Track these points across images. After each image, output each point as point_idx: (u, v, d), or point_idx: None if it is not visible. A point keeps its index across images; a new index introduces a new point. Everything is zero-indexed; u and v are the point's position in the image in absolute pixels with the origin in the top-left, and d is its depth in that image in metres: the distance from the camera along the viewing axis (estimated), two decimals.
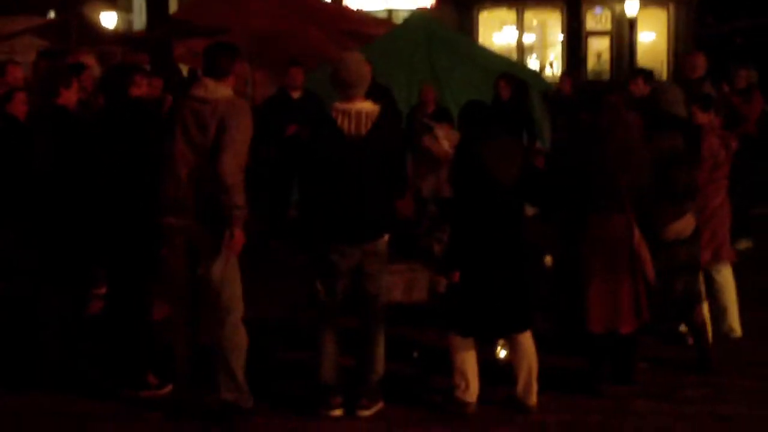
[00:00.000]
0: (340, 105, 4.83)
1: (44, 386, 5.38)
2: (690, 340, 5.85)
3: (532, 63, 25.11)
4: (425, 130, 8.37)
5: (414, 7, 20.28)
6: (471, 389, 5.00)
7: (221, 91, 4.75)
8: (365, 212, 4.82)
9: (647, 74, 7.62)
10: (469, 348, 5.00)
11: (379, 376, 5.06)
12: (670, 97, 5.58)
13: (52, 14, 21.52)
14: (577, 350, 5.48)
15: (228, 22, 12.44)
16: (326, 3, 17.33)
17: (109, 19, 20.48)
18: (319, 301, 5.01)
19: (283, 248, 8.36)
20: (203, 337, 5.02)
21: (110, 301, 5.52)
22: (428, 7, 24.04)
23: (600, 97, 5.31)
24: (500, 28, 25.92)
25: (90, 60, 8.56)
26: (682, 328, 6.00)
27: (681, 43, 24.43)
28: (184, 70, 13.98)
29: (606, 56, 25.45)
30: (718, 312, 6.08)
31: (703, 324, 5.63)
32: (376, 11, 23.51)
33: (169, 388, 5.27)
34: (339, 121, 4.77)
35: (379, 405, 5.06)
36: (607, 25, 25.42)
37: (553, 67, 25.24)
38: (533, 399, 5.03)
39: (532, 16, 25.78)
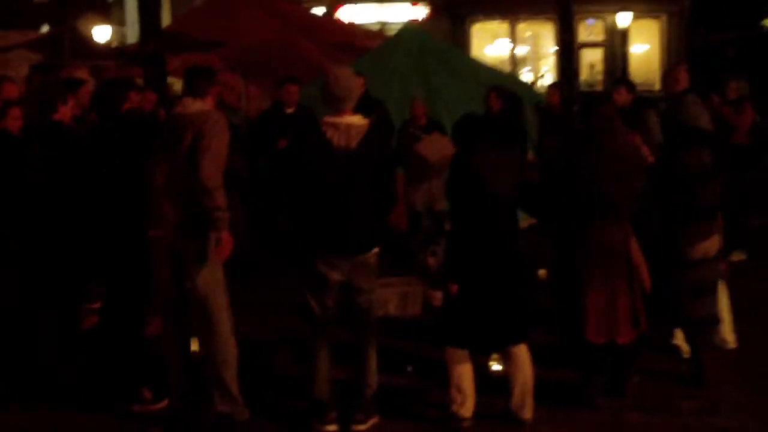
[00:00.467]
0: (329, 119, 4.87)
1: (40, 401, 5.36)
2: (684, 353, 5.86)
3: (526, 75, 25.15)
4: (414, 141, 8.40)
5: (406, 20, 20.28)
6: (467, 404, 4.99)
7: (197, 105, 4.92)
8: (354, 225, 4.82)
9: (629, 84, 7.67)
10: (466, 362, 4.99)
11: (372, 389, 5.06)
12: (693, 112, 5.51)
13: (45, 28, 21.54)
14: (571, 363, 5.48)
15: (222, 35, 12.45)
16: (319, 16, 17.35)
17: (102, 33, 20.49)
18: (311, 314, 5.01)
19: (274, 261, 8.35)
20: (199, 350, 5.03)
21: (105, 315, 5.52)
22: (420, 19, 24.07)
23: (589, 107, 5.33)
24: (493, 40, 25.95)
25: (83, 74, 8.57)
26: (677, 340, 6.00)
27: (674, 54, 24.53)
28: (178, 84, 13.97)
29: (599, 67, 25.51)
30: None
31: (707, 342, 5.63)
32: (369, 24, 23.51)
33: (164, 402, 5.26)
34: (328, 134, 4.80)
35: (374, 419, 5.05)
36: (599, 37, 25.50)
37: (545, 79, 25.29)
38: (528, 412, 5.02)
39: (525, 28, 25.82)
